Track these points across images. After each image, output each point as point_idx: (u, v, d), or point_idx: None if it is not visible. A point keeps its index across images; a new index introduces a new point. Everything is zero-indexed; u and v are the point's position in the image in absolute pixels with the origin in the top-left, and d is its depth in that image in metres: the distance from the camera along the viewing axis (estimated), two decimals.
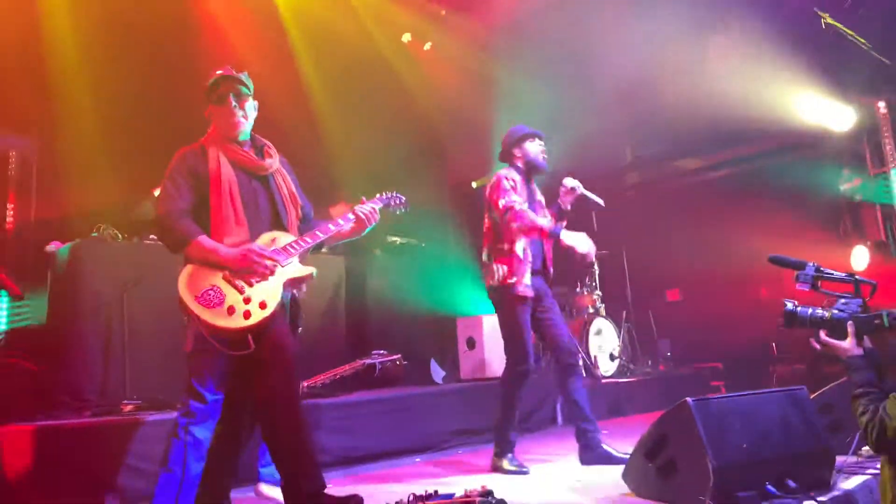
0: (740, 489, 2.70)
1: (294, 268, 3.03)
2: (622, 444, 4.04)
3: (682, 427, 2.91)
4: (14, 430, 3.97)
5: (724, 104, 7.65)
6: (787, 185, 7.82)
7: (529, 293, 4.09)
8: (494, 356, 6.25)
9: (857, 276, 2.77)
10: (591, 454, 4.04)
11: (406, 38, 8.75)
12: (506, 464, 4.06)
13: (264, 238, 3.05)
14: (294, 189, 3.26)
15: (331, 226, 3.21)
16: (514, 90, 8.56)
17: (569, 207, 4.26)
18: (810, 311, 2.73)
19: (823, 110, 7.43)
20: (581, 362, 7.31)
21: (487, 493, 2.61)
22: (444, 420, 5.27)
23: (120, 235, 5.04)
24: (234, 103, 3.11)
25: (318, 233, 3.16)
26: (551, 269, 4.34)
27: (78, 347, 4.55)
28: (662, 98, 8.83)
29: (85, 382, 4.48)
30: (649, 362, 8.39)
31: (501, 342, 6.22)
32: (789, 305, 2.76)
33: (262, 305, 2.86)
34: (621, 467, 3.33)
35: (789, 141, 7.95)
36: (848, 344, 2.61)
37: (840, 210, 7.29)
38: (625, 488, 3.26)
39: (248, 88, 3.18)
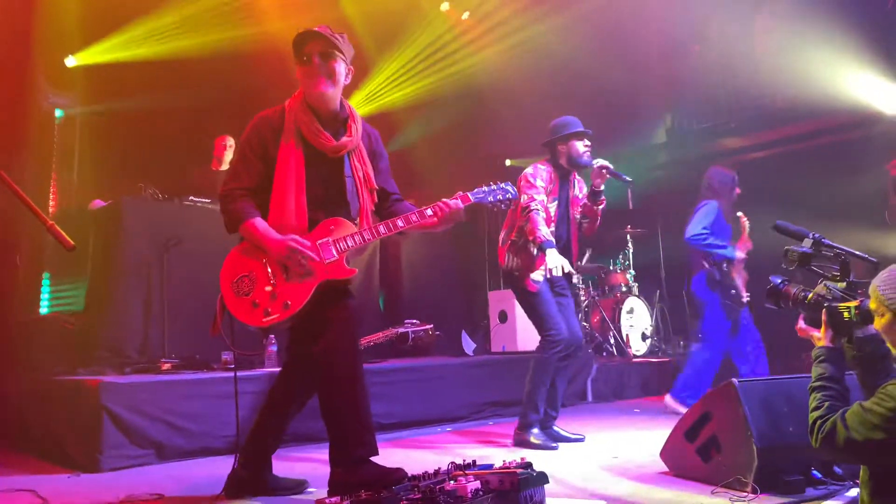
0: (785, 473, 2.66)
1: (335, 266, 2.83)
2: (654, 422, 4.00)
3: (726, 407, 2.87)
4: (56, 382, 4.08)
5: (771, 81, 7.45)
6: (832, 167, 7.61)
7: (537, 287, 4.12)
8: (526, 330, 6.22)
9: (852, 253, 2.44)
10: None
11: (444, 6, 8.65)
12: (532, 438, 4.00)
13: (323, 227, 2.89)
14: (370, 171, 3.04)
15: (399, 222, 2.93)
16: (552, 61, 8.42)
17: (601, 188, 4.21)
18: (794, 290, 2.41)
19: (874, 91, 7.19)
20: (612, 340, 7.29)
21: (527, 465, 2.59)
22: (475, 391, 5.27)
23: (160, 194, 5.08)
24: (319, 64, 2.87)
25: (379, 229, 2.93)
26: (575, 256, 4.41)
27: (119, 304, 4.63)
28: (706, 74, 8.64)
29: (125, 339, 4.56)
30: (681, 343, 8.31)
31: None
32: (776, 281, 2.46)
33: (286, 305, 2.75)
34: (659, 443, 3.30)
35: (837, 122, 7.72)
36: (820, 333, 2.27)
37: (887, 194, 7.07)
38: (662, 466, 3.23)
39: (340, 50, 2.91)
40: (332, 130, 2.97)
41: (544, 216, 4.09)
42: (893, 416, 1.91)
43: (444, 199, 2.99)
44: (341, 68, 2.93)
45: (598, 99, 8.04)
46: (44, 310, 5.09)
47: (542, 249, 3.99)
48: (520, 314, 6.27)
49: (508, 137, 9.31)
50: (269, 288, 2.77)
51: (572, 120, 4.30)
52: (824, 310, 2.25)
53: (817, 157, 7.95)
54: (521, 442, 4.05)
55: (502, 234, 4.35)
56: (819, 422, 2.10)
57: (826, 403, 2.13)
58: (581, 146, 4.24)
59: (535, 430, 4.04)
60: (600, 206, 4.25)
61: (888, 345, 2.09)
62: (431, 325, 5.81)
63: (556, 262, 3.86)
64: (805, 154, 8.16)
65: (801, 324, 2.36)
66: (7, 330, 4.19)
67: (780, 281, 2.45)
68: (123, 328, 4.58)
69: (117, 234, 4.74)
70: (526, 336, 6.20)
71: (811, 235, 2.49)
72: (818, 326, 2.28)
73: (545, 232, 4.03)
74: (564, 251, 4.22)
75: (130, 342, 4.56)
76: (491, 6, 8.53)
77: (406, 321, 5.80)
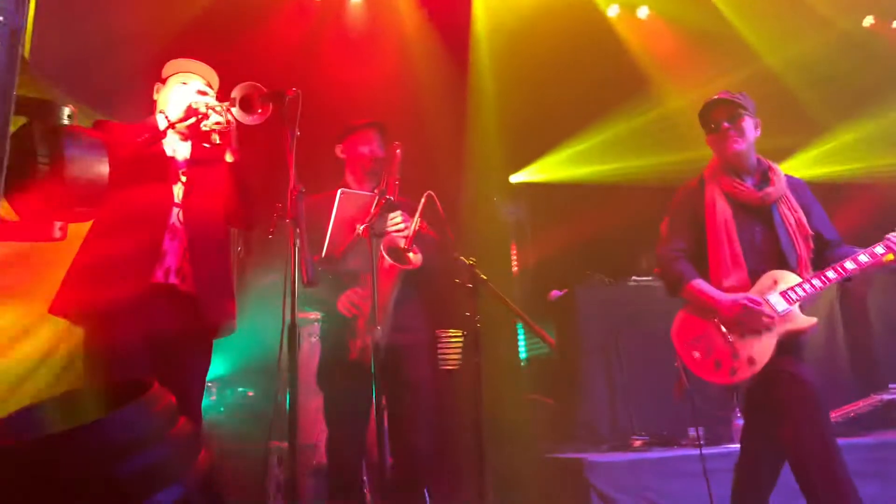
0: None
1: (792, 319, 2.77)
2: None
3: None
4: (546, 459, 4.57)
5: None
6: None
7: None
8: None
9: None
10: None
11: (613, 10, 6.65)
12: None
13: (764, 280, 2.86)
14: (802, 218, 2.96)
15: (847, 264, 2.79)
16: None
17: None
18: None
19: None
20: None
21: None
22: None
23: (607, 279, 5.45)
24: (729, 128, 2.97)
25: (826, 275, 2.80)
26: None
27: (586, 384, 5.02)
28: None
29: (597, 417, 4.90)
30: None
31: None
32: None
33: (751, 362, 2.72)
34: None
35: None
36: None
37: None
38: None
39: (745, 108, 3.00)
40: (753, 183, 3.00)
41: None
42: None
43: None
44: (749, 125, 2.99)
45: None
46: (522, 354, 5.85)
47: None
48: None
49: None
50: (728, 346, 2.78)
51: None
52: None
53: None
54: None
55: None
56: None
57: None
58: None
59: None
60: None
61: None
62: None
63: None
64: None
65: None
66: (507, 410, 4.86)
67: None
68: (593, 407, 4.93)
69: (574, 318, 5.21)
70: None
71: None
72: None
73: None
74: None
75: (602, 420, 4.88)
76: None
77: (891, 385, 5.01)
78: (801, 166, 7.00)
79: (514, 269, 6.54)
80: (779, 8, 6.71)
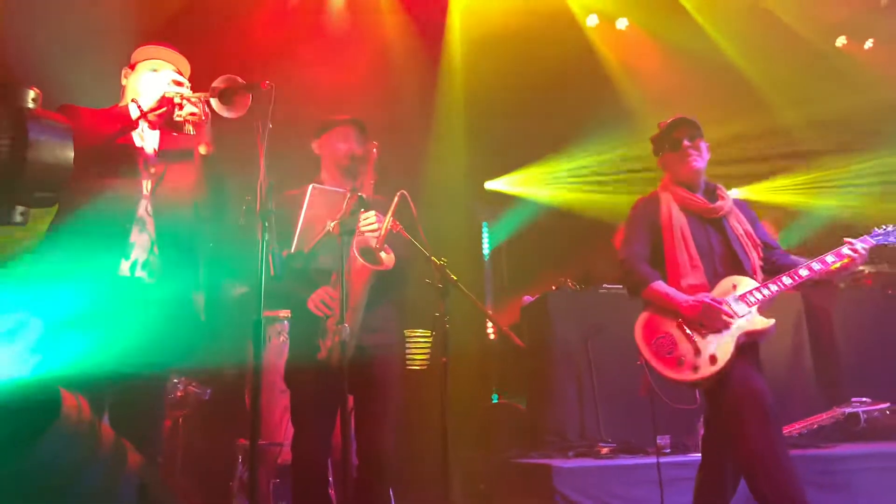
0: None
1: (751, 320, 2.90)
2: None
3: None
4: (513, 464, 4.56)
5: None
6: None
7: None
8: None
9: None
10: None
11: (592, 20, 6.70)
12: None
13: (724, 284, 2.99)
14: (750, 229, 3.14)
15: (801, 271, 2.99)
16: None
17: None
18: None
19: None
20: None
21: None
22: None
23: (578, 286, 5.46)
24: (689, 145, 3.15)
25: (782, 280, 2.97)
26: None
27: (556, 390, 5.02)
28: None
29: (566, 423, 4.91)
30: None
31: None
32: None
33: (713, 360, 2.81)
34: None
35: None
36: None
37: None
38: None
39: (699, 130, 3.20)
40: (705, 198, 3.18)
41: None
42: None
43: (848, 241, 2.98)
44: (704, 146, 3.20)
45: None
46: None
47: None
48: None
49: None
50: (690, 345, 2.87)
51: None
52: None
53: None
54: None
55: None
56: None
57: None
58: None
59: None
60: None
61: None
62: (889, 404, 4.99)
63: None
64: None
65: None
66: (476, 413, 4.86)
67: None
68: (563, 413, 4.94)
69: (546, 324, 5.22)
70: None
71: None
72: None
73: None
74: None
75: (571, 426, 4.89)
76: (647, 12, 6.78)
77: (853, 399, 5.08)
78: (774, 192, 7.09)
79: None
80: (755, 23, 6.82)
